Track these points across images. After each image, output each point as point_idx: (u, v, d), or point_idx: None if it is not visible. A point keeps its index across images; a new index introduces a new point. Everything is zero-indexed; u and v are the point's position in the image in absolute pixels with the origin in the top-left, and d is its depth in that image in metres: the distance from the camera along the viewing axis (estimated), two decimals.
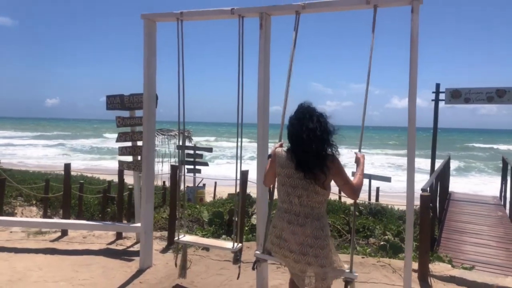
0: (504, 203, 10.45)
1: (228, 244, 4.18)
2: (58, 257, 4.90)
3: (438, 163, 10.49)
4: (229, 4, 4.01)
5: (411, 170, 3.44)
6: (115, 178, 13.33)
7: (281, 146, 2.92)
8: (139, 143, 5.42)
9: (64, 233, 5.77)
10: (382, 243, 5.77)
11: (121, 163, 5.53)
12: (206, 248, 5.21)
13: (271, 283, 4.14)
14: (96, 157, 37.01)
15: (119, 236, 5.64)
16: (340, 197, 11.81)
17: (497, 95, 11.09)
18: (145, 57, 4.36)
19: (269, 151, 3.26)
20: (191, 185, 14.30)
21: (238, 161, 3.95)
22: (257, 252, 3.04)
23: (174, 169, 5.41)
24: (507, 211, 9.50)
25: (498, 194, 12.11)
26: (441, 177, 8.69)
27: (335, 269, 2.67)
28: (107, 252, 5.09)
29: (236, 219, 6.78)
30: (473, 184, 23.45)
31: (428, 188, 5.66)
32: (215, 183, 16.67)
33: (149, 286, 4.10)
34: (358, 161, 2.87)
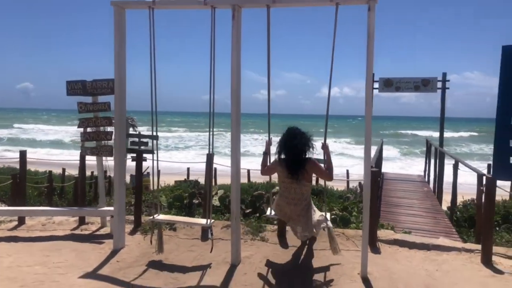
0: (428, 180, 11.80)
1: (202, 221, 4.49)
2: (24, 244, 4.85)
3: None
4: None
5: (367, 150, 3.98)
6: (49, 168, 12.96)
7: (270, 142, 4.31)
8: (103, 128, 5.47)
9: (21, 221, 5.65)
10: (332, 217, 6.39)
11: (83, 149, 5.52)
12: (173, 228, 5.44)
13: (243, 254, 4.51)
14: (16, 149, 34.37)
15: (81, 221, 5.64)
16: None
17: (423, 84, 12.37)
18: (115, 43, 4.44)
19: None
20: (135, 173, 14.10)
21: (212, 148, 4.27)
22: (268, 214, 4.54)
23: (139, 155, 5.53)
24: (431, 186, 10.78)
25: (422, 173, 13.57)
26: (376, 159, 9.62)
27: (314, 225, 4.15)
28: (74, 237, 5.12)
29: (196, 201, 7.06)
30: (399, 167, 25.62)
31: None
32: (159, 171, 16.57)
33: (127, 265, 4.27)
34: (324, 150, 4.12)
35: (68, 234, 5.24)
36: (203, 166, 5.94)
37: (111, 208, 5.27)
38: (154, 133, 4.60)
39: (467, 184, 10.45)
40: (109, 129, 5.54)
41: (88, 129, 5.44)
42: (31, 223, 5.69)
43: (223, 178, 15.04)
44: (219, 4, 4.17)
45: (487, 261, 4.38)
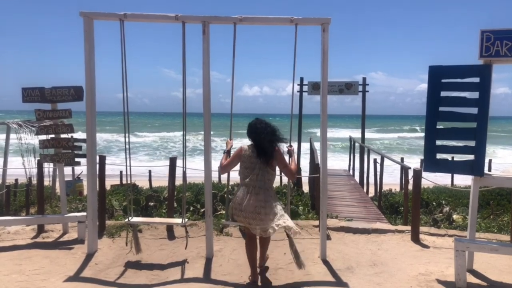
0: (353, 174, 13.12)
1: (178, 220, 4.83)
2: None
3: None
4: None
5: (324, 153, 4.65)
6: None
7: (231, 143, 4.33)
8: (64, 135, 5.50)
9: None
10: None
11: (43, 156, 5.48)
12: (139, 230, 5.64)
13: (213, 248, 4.93)
14: None
15: (40, 230, 5.57)
16: None
17: (346, 88, 13.69)
18: (85, 52, 4.55)
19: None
20: (69, 178, 13.52)
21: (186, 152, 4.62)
22: (223, 220, 4.37)
23: (102, 160, 5.64)
24: (357, 179, 12.05)
25: (346, 168, 14.97)
26: (311, 156, 10.55)
27: (278, 223, 3.84)
28: (39, 245, 5.09)
29: (151, 204, 7.24)
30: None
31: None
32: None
33: (105, 266, 4.45)
34: (289, 153, 4.21)
35: (31, 243, 5.19)
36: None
37: (78, 214, 5.36)
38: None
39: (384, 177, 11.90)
40: (70, 135, 5.58)
41: (48, 136, 5.42)
42: None
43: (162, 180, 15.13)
44: (189, 19, 4.54)
45: (416, 238, 5.34)
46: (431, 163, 4.23)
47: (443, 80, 4.13)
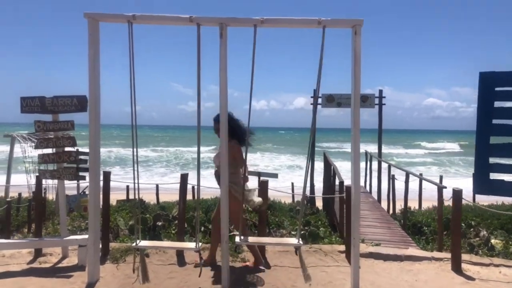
0: (370, 191, 12.47)
1: (191, 245, 4.28)
2: None
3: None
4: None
5: (356, 170, 4.09)
6: None
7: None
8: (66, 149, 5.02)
9: None
10: (302, 232, 6.46)
11: (42, 172, 4.99)
12: (146, 254, 5.10)
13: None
14: None
15: (38, 253, 5.06)
16: None
17: (362, 100, 13.14)
18: (90, 57, 4.10)
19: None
20: (74, 192, 13.06)
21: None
22: (237, 239, 4.24)
23: (107, 176, 5.15)
24: (375, 197, 11.41)
25: (362, 184, 14.31)
26: (327, 173, 9.97)
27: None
28: (35, 272, 4.56)
29: (159, 223, 6.71)
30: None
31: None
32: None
33: None
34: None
35: (26, 269, 4.67)
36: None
37: (79, 237, 4.85)
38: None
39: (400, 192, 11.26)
40: (76, 148, 5.12)
41: (48, 150, 4.95)
42: None
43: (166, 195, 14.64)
44: (205, 21, 4.06)
45: (457, 268, 4.73)
46: (483, 184, 3.66)
47: (497, 89, 3.58)
